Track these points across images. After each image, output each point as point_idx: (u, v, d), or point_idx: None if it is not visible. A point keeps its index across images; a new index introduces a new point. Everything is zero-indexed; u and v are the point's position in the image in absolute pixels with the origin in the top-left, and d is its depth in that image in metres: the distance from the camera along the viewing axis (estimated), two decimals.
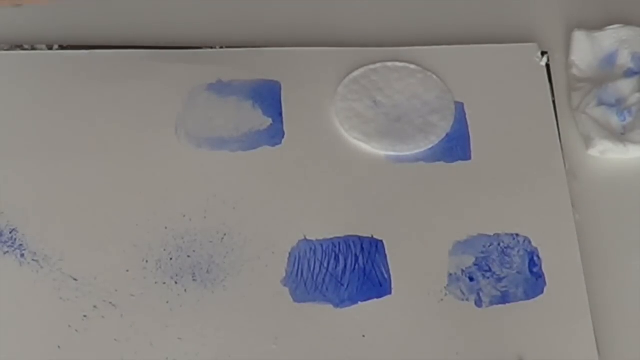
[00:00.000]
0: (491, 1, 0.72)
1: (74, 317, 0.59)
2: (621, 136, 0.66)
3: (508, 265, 0.61)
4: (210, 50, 0.69)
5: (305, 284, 0.60)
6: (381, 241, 0.62)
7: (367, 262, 0.61)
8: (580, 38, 0.70)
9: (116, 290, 0.60)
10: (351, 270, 0.61)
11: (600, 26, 0.70)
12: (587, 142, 0.66)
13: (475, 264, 0.61)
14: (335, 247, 0.61)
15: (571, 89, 0.69)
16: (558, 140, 0.66)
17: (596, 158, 0.66)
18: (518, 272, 0.61)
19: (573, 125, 0.67)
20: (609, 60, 0.69)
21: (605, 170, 0.66)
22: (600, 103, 0.67)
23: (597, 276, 0.61)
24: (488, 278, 0.61)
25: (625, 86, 0.68)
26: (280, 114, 0.66)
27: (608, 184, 0.65)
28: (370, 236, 0.62)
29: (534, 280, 0.61)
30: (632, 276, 0.62)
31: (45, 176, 0.63)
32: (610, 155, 0.66)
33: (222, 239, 0.62)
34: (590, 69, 0.69)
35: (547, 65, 0.69)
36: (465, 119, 0.67)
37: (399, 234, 0.62)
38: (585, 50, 0.69)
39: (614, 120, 0.67)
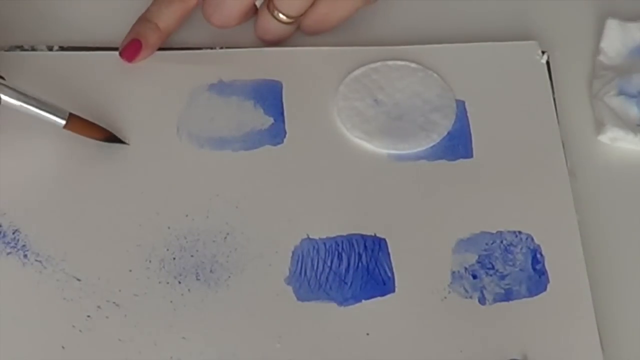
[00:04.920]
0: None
1: (78, 317, 0.59)
2: (636, 127, 0.66)
3: (511, 263, 0.61)
4: (210, 50, 0.69)
5: (308, 283, 0.60)
6: (384, 239, 0.62)
7: (370, 260, 0.61)
8: (612, 26, 0.70)
9: (120, 290, 0.60)
10: (354, 268, 0.61)
11: (600, 25, 0.71)
12: (599, 127, 0.67)
13: (478, 262, 0.61)
14: (338, 245, 0.62)
15: (594, 77, 0.69)
16: (559, 138, 0.66)
17: (605, 146, 0.67)
18: (521, 270, 0.61)
19: (578, 115, 0.68)
20: (639, 51, 0.70)
21: (612, 160, 0.66)
22: (621, 93, 0.67)
23: (600, 272, 0.61)
24: (491, 275, 0.61)
25: None
26: (282, 114, 0.66)
27: (613, 176, 0.66)
28: (373, 234, 0.62)
29: (537, 277, 0.61)
30: (636, 272, 0.62)
31: (47, 176, 0.63)
32: (620, 143, 0.66)
33: (225, 238, 0.62)
34: (619, 57, 0.69)
35: (547, 63, 0.69)
36: (467, 116, 0.67)
37: (402, 232, 0.62)
38: (616, 39, 0.70)
39: (633, 111, 0.67)
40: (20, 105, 0.62)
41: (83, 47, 0.68)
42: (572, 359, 0.59)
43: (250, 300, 0.60)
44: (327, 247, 0.61)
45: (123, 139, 0.64)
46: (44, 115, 0.62)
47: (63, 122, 0.63)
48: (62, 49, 0.68)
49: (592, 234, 0.63)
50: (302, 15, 0.67)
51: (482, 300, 0.60)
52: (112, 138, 0.64)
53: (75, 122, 0.63)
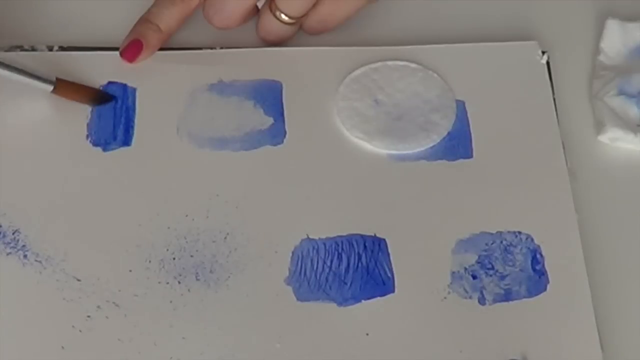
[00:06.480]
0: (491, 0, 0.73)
1: (78, 318, 0.59)
2: (636, 127, 0.66)
3: (511, 263, 0.61)
4: (210, 50, 0.69)
5: (308, 283, 0.60)
6: (384, 240, 0.62)
7: (370, 260, 0.61)
8: (612, 26, 0.70)
9: (119, 291, 0.60)
10: (354, 268, 0.61)
11: (600, 25, 0.71)
12: (599, 127, 0.67)
13: (478, 262, 0.61)
14: (338, 245, 0.62)
15: (594, 77, 0.69)
16: (559, 138, 0.66)
17: (605, 146, 0.67)
18: (521, 270, 0.61)
19: (578, 115, 0.68)
20: (639, 51, 0.70)
21: (612, 160, 0.66)
22: (621, 93, 0.67)
23: (600, 272, 0.61)
24: (491, 276, 0.61)
25: None
26: (282, 114, 0.66)
27: (613, 176, 0.66)
28: (373, 235, 0.62)
29: (536, 277, 0.61)
30: (636, 272, 0.62)
31: (47, 177, 0.63)
32: (619, 143, 0.67)
33: (225, 238, 0.62)
34: (619, 57, 0.69)
35: (547, 63, 0.69)
36: (467, 117, 0.67)
37: (402, 233, 0.62)
38: (616, 39, 0.70)
39: (633, 111, 0.67)
40: (10, 75, 0.63)
41: (83, 47, 0.68)
42: (572, 359, 0.59)
43: (250, 300, 0.60)
44: (327, 247, 0.61)
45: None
46: (31, 82, 0.63)
47: (51, 87, 0.64)
48: (62, 49, 0.68)
49: (592, 234, 0.63)
50: (304, 15, 0.67)
51: (482, 301, 0.60)
52: (99, 98, 0.65)
53: (63, 86, 0.64)
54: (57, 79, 0.64)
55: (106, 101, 0.65)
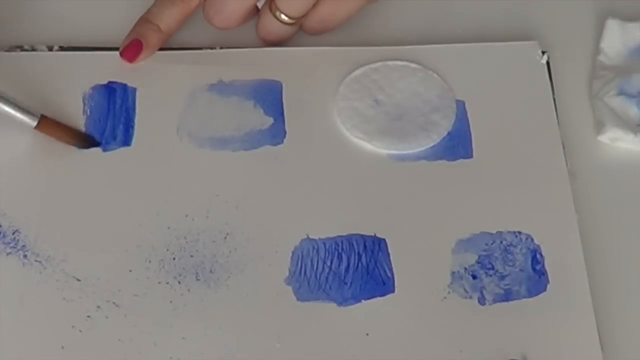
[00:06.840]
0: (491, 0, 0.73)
1: (78, 318, 0.59)
2: (636, 127, 0.66)
3: (511, 263, 0.61)
4: (210, 50, 0.69)
5: (308, 283, 0.60)
6: (384, 239, 0.62)
7: (370, 260, 0.61)
8: (612, 26, 0.70)
9: (119, 291, 0.60)
10: (354, 268, 0.61)
11: (600, 25, 0.71)
12: (599, 127, 0.67)
13: (478, 262, 0.61)
14: (338, 245, 0.62)
15: (594, 77, 0.69)
16: (559, 138, 0.66)
17: (605, 146, 0.67)
18: (521, 270, 0.61)
19: (578, 115, 0.68)
20: (639, 51, 0.70)
21: (612, 160, 0.66)
22: (621, 93, 0.67)
23: (600, 272, 0.61)
24: (491, 276, 0.61)
25: None
26: (282, 114, 0.66)
27: (613, 176, 0.66)
28: (373, 235, 0.62)
29: (536, 277, 0.61)
30: (636, 272, 0.62)
31: (47, 177, 0.63)
32: (619, 143, 0.67)
33: (225, 238, 0.62)
34: (619, 57, 0.69)
35: (547, 63, 0.69)
36: (467, 117, 0.67)
37: (402, 232, 0.62)
38: (616, 39, 0.70)
39: (633, 111, 0.67)
40: None
41: (83, 47, 0.68)
42: (571, 359, 0.59)
43: (250, 300, 0.60)
44: (327, 247, 0.61)
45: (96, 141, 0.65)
46: (15, 115, 0.62)
47: (34, 122, 0.63)
48: (62, 49, 0.68)
49: (592, 234, 0.63)
50: (304, 15, 0.67)
51: (481, 301, 0.60)
52: (84, 141, 0.64)
53: (47, 124, 0.63)
54: (42, 116, 0.63)
55: (90, 145, 0.65)
